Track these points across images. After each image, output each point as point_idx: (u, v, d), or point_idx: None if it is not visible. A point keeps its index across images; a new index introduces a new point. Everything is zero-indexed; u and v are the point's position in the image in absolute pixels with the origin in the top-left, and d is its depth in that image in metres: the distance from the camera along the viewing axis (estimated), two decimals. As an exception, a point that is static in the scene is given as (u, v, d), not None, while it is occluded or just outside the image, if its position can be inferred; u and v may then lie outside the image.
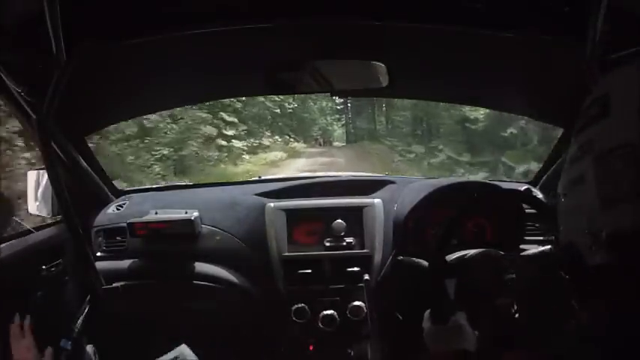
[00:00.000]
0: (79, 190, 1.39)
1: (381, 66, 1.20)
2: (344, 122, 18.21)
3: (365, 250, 1.41)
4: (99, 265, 1.35)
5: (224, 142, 10.16)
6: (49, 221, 1.36)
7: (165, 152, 8.20)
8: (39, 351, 1.04)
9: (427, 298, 1.04)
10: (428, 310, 0.97)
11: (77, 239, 1.23)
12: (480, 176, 7.02)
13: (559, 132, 1.56)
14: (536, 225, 1.41)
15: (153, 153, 8.01)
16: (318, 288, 1.38)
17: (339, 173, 1.89)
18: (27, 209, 1.36)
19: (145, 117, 7.09)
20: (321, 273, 1.39)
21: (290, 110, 14.09)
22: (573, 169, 0.48)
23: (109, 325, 1.39)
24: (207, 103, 8.61)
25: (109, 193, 1.56)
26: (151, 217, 1.40)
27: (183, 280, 1.42)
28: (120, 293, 1.37)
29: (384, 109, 14.56)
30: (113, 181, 1.63)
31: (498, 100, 1.65)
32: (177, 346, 1.33)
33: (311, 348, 1.42)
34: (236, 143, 10.59)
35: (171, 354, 1.30)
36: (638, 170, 0.41)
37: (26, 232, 1.28)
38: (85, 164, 1.41)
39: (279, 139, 13.19)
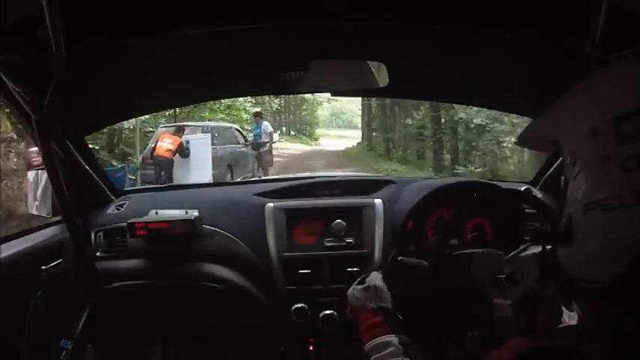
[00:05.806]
0: (79, 190, 1.39)
1: (381, 66, 1.20)
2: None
3: (365, 250, 1.40)
4: (99, 265, 1.35)
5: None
6: (49, 221, 1.36)
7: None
8: (39, 351, 1.04)
9: (427, 298, 1.04)
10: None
11: (77, 239, 1.23)
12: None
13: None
14: (536, 225, 1.41)
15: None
16: (318, 288, 1.38)
17: (339, 173, 1.89)
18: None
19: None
20: (321, 273, 1.39)
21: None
22: None
23: (109, 325, 1.39)
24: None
25: (109, 193, 1.56)
26: (151, 217, 1.40)
27: (184, 280, 1.42)
28: (120, 293, 1.37)
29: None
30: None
31: (498, 100, 1.64)
32: (176, 345, 1.33)
33: (311, 348, 1.42)
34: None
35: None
36: None
37: (26, 232, 1.28)
38: (85, 164, 1.41)
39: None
